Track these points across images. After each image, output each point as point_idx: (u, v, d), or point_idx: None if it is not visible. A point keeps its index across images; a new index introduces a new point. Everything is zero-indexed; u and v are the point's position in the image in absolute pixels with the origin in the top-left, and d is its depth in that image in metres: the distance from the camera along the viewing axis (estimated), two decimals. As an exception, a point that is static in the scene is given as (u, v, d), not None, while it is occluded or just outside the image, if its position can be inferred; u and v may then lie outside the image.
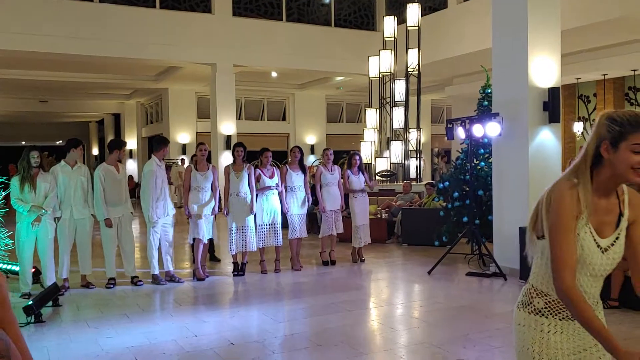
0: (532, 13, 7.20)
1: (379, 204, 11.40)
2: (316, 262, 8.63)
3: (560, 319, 1.99)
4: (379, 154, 14.29)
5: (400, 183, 12.66)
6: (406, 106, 13.69)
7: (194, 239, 7.49)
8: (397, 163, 13.75)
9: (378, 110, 14.48)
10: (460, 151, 9.33)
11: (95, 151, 30.98)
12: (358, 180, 8.51)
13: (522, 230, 6.74)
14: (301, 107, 21.72)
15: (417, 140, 14.06)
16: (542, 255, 2.01)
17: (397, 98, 13.73)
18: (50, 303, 6.01)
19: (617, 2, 10.25)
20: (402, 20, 14.33)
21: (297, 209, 8.01)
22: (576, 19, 10.53)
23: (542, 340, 1.99)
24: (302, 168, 8.15)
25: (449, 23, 14.29)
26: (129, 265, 7.22)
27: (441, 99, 22.20)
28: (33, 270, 6.79)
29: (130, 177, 22.02)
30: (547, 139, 7.38)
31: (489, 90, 8.76)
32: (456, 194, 8.86)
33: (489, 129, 7.41)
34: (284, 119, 22.10)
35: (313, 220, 11.26)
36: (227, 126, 15.85)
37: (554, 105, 7.26)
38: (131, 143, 23.96)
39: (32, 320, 5.43)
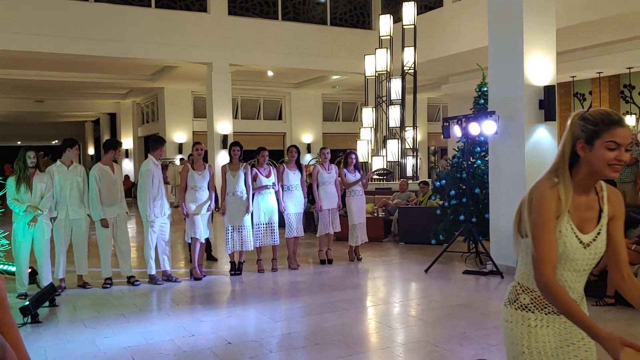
0: (527, 11, 7.21)
1: (376, 203, 11.41)
2: (313, 261, 8.63)
3: (546, 314, 2.04)
4: (375, 152, 14.32)
5: (397, 181, 12.67)
6: (402, 105, 13.70)
7: (191, 239, 7.49)
8: (394, 161, 13.77)
9: (374, 108, 14.50)
10: (457, 149, 9.34)
11: (91, 151, 30.89)
12: (354, 179, 8.52)
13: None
14: (297, 106, 21.72)
15: (413, 138, 14.08)
16: (527, 254, 2.06)
17: (393, 96, 13.75)
18: (46, 303, 6.00)
19: (612, 0, 10.28)
20: (397, 18, 14.35)
21: (294, 208, 8.02)
22: (571, 18, 10.57)
23: (529, 335, 2.04)
24: (299, 167, 8.17)
25: (444, 21, 14.32)
26: (125, 265, 7.21)
27: (437, 98, 22.24)
28: (29, 270, 6.78)
29: (127, 177, 21.99)
30: (543, 137, 7.40)
31: (485, 89, 8.77)
32: (453, 192, 8.86)
33: (485, 127, 7.42)
34: (280, 118, 22.09)
35: (310, 219, 11.26)
36: (224, 125, 15.83)
37: (550, 104, 7.28)
38: (127, 142, 23.92)
39: (29, 320, 5.41)
